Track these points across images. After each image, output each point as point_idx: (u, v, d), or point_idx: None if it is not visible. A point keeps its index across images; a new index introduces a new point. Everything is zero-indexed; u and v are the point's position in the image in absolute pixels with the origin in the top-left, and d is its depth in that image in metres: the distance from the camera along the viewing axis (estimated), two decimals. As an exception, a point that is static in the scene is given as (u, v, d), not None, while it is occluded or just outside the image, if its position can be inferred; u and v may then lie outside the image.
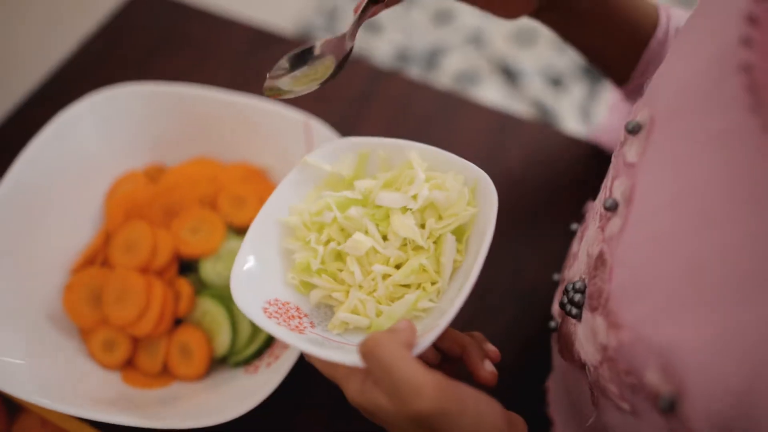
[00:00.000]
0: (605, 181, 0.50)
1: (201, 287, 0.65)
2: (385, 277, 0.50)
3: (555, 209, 0.78)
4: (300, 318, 0.51)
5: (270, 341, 0.63)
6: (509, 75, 1.49)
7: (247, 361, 0.62)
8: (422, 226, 0.51)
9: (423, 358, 0.48)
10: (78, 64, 0.92)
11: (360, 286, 0.51)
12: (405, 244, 0.51)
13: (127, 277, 0.63)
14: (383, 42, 1.60)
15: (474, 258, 0.47)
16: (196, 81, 0.79)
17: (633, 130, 0.43)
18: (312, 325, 0.51)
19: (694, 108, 0.38)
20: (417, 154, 0.52)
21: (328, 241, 0.53)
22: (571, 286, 0.48)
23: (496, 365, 0.49)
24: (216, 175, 0.72)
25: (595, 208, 0.50)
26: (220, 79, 0.87)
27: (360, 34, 1.67)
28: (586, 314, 0.45)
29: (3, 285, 0.63)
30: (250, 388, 0.57)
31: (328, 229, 0.53)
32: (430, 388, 0.39)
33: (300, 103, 0.78)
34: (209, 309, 0.63)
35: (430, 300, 0.49)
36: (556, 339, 0.56)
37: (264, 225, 0.53)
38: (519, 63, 1.48)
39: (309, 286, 0.53)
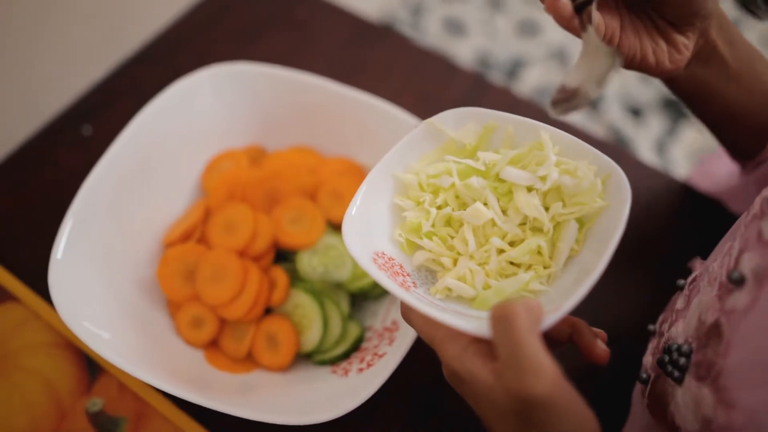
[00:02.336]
0: (727, 247, 0.48)
1: (293, 279, 0.65)
2: (499, 251, 0.50)
3: (639, 249, 0.76)
4: (404, 276, 0.50)
5: (358, 344, 0.62)
6: (589, 97, 1.47)
7: (333, 362, 0.62)
8: (545, 209, 0.50)
9: None
10: (181, 31, 0.92)
11: (471, 256, 0.51)
12: (524, 223, 0.51)
13: (225, 257, 0.63)
14: (467, 45, 1.58)
15: (595, 252, 0.46)
16: (295, 66, 0.78)
17: None
18: (414, 285, 0.50)
19: None
20: (548, 136, 0.51)
21: (442, 206, 0.52)
22: (675, 347, 0.47)
23: None
24: (317, 166, 0.71)
25: (711, 272, 0.48)
26: (319, 66, 0.87)
27: (444, 34, 1.66)
28: (689, 381, 0.44)
29: (98, 245, 0.63)
30: (341, 392, 0.56)
31: (445, 194, 0.52)
32: (550, 373, 0.38)
33: (402, 103, 0.78)
34: (302, 302, 0.63)
35: (541, 283, 0.49)
36: (643, 391, 0.55)
37: (379, 177, 0.52)
38: (601, 87, 1.46)
39: (414, 247, 0.53)
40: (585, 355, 0.47)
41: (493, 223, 0.50)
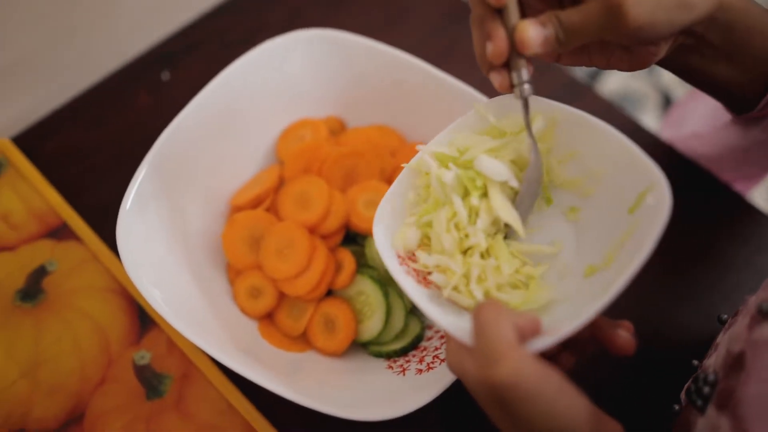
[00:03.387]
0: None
1: (359, 264, 0.63)
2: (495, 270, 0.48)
3: (697, 281, 0.71)
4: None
5: (417, 342, 0.60)
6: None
7: (389, 356, 0.59)
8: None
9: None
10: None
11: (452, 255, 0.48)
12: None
13: (294, 231, 0.61)
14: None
15: (619, 270, 0.42)
16: (384, 40, 0.75)
17: None
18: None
19: None
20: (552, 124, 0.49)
21: (422, 198, 0.51)
22: (703, 377, 0.46)
23: None
24: (397, 149, 0.68)
25: (748, 304, 0.48)
26: (409, 44, 0.82)
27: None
28: (711, 410, 0.43)
29: (165, 199, 0.61)
30: (396, 391, 0.54)
31: (425, 182, 0.51)
32: (511, 359, 0.38)
33: (491, 96, 0.74)
34: (366, 290, 0.60)
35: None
36: (674, 422, 0.53)
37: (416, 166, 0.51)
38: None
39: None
40: (608, 349, 0.45)
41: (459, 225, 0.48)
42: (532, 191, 0.49)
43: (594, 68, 1.45)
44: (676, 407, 0.54)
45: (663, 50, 0.48)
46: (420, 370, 0.55)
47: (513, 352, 0.38)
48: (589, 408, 0.40)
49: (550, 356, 0.48)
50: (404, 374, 0.56)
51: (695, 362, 0.58)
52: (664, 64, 0.53)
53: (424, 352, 0.58)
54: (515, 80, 0.45)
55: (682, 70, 0.53)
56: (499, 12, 0.44)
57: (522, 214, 0.48)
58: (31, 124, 0.77)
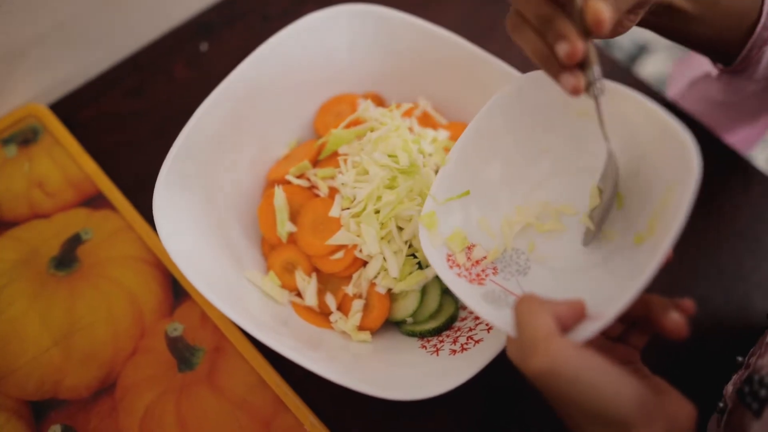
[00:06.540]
0: None
1: (395, 242, 0.62)
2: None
3: (736, 277, 0.69)
4: (484, 264, 0.52)
5: (451, 322, 0.59)
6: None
7: (422, 335, 0.59)
8: None
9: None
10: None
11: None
12: None
13: (330, 207, 0.60)
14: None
15: (653, 245, 0.42)
16: (424, 17, 0.73)
17: None
18: (495, 271, 0.51)
19: None
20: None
21: None
22: (758, 379, 0.45)
23: None
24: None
25: None
26: (450, 21, 0.81)
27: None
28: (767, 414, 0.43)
29: (202, 171, 0.60)
30: (429, 372, 0.53)
31: None
32: (545, 349, 0.38)
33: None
34: (401, 269, 0.59)
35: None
36: (719, 422, 0.52)
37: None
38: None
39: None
40: (659, 332, 0.43)
41: None
42: (610, 190, 0.48)
43: (632, 52, 1.42)
44: (721, 405, 0.52)
45: (639, 16, 0.49)
46: (454, 351, 0.54)
47: (547, 342, 0.38)
48: (640, 390, 0.39)
49: (617, 337, 0.47)
50: (437, 354, 0.55)
51: (739, 359, 0.57)
52: (646, 26, 0.55)
53: (458, 333, 0.57)
54: (591, 77, 0.42)
55: (662, 30, 0.57)
56: (562, 6, 0.41)
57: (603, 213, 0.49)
58: (68, 92, 0.77)
